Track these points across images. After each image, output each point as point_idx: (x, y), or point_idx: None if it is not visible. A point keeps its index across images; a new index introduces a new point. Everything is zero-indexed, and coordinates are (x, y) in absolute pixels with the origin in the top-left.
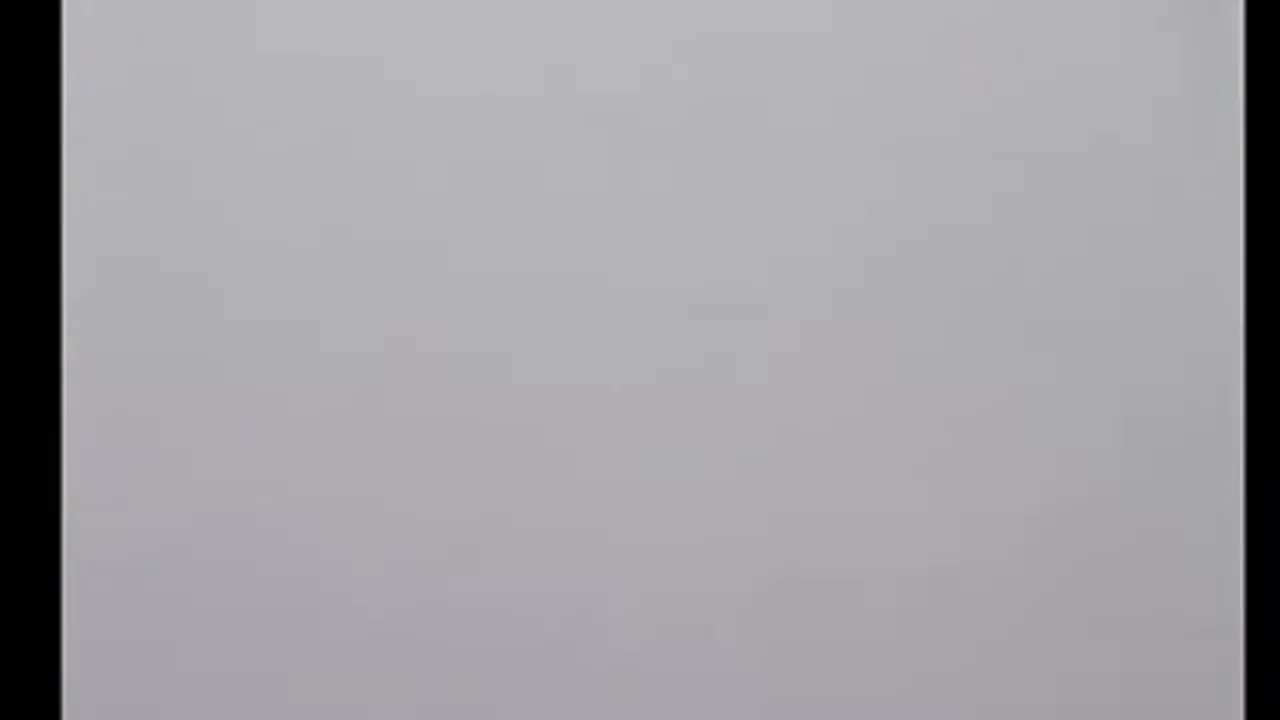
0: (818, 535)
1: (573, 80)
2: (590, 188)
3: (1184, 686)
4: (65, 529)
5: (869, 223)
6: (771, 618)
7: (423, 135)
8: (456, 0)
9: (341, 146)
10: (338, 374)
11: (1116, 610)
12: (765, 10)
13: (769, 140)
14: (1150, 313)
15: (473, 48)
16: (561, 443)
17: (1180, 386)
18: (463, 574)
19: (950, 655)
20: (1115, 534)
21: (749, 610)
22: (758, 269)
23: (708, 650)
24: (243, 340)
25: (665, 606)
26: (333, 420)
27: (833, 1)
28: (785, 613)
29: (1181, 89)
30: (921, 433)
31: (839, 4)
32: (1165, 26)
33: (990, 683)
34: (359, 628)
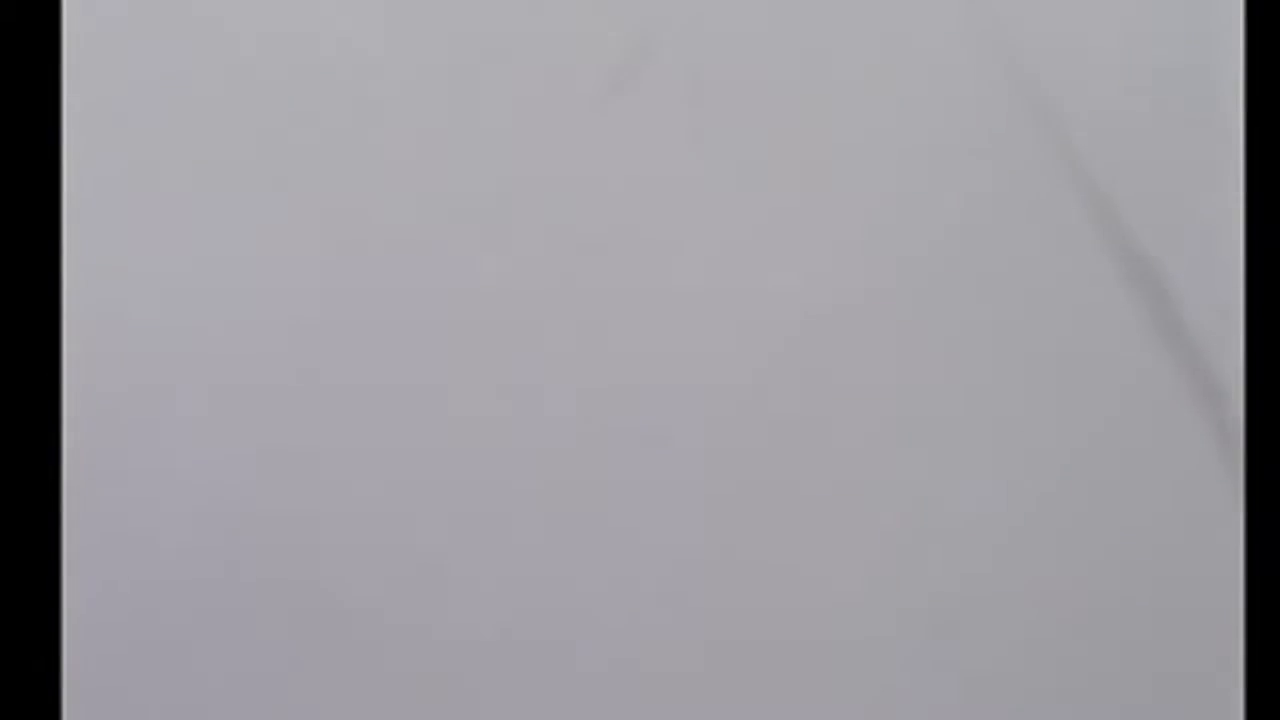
0: (818, 542)
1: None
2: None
3: (1183, 687)
4: (64, 521)
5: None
6: None
7: (420, 135)
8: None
9: (337, 142)
10: (340, 367)
11: (1115, 608)
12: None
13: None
14: (1149, 315)
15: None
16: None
17: (1180, 388)
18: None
19: (946, 654)
20: (1113, 532)
21: None
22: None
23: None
24: (241, 336)
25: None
26: (335, 416)
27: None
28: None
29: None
30: (921, 424)
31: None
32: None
33: (986, 684)
34: (363, 626)
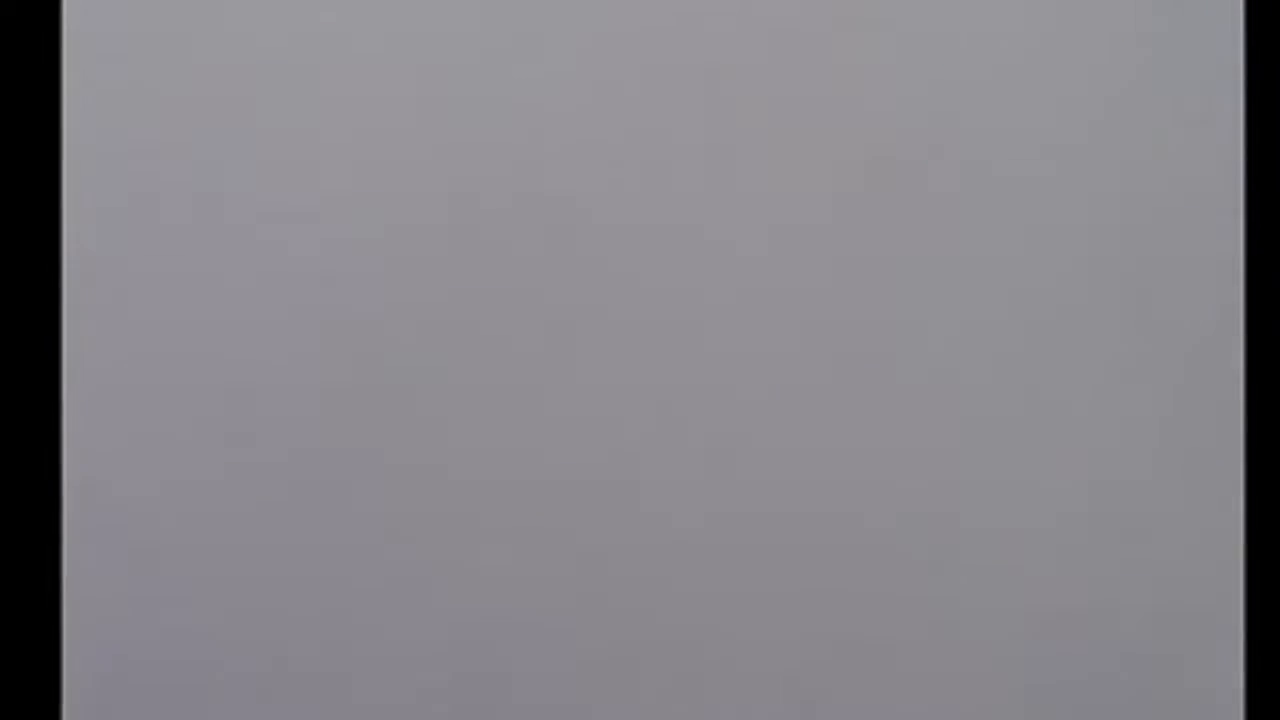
0: (818, 534)
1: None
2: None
3: (1183, 686)
4: (65, 522)
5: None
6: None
7: (426, 132)
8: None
9: (343, 143)
10: (337, 366)
11: (1115, 607)
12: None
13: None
14: (1150, 312)
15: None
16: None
17: (1180, 387)
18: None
19: (947, 653)
20: (1113, 533)
21: None
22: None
23: None
24: (239, 340)
25: None
26: (334, 419)
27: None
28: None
29: (1181, 88)
30: (921, 430)
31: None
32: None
33: (986, 681)
34: (362, 625)
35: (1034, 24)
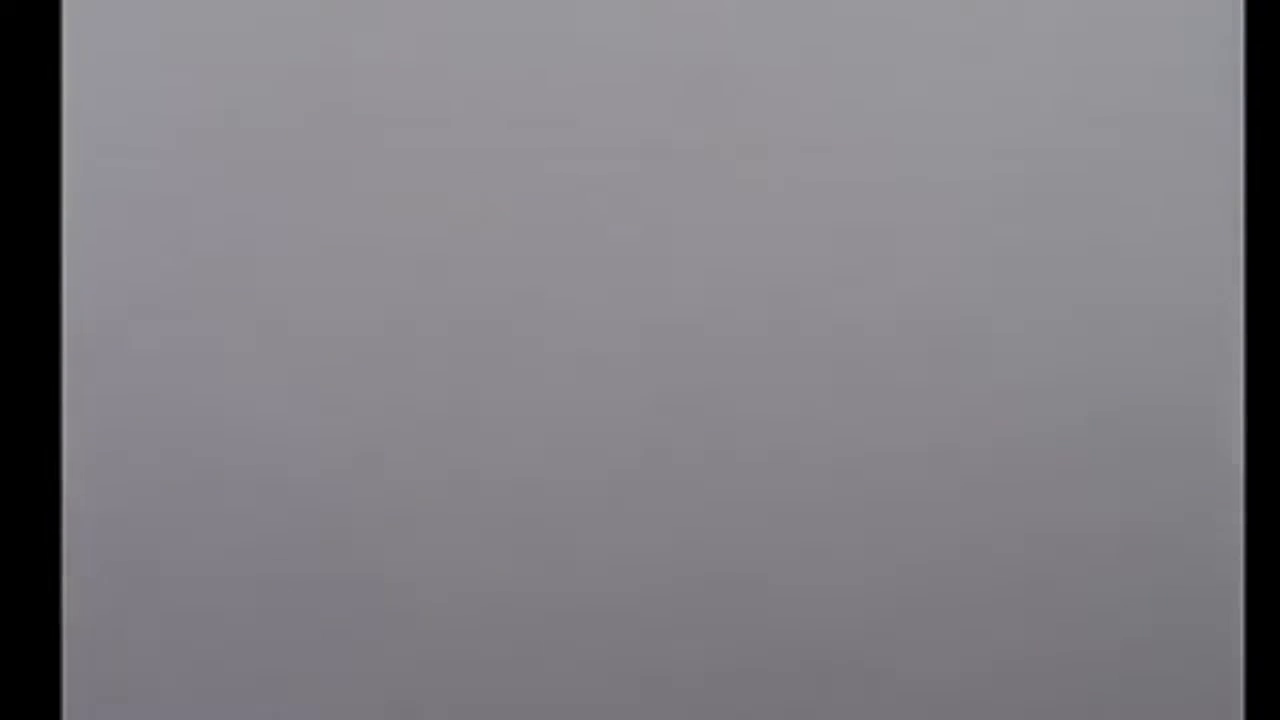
0: (810, 528)
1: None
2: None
3: (1183, 687)
4: (65, 530)
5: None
6: None
7: (439, 140)
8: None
9: (348, 148)
10: (339, 366)
11: (1116, 609)
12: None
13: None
14: (1149, 312)
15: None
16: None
17: (1180, 387)
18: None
19: (947, 658)
20: (1114, 535)
21: None
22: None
23: None
24: (243, 341)
25: None
26: (336, 421)
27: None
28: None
29: (1181, 88)
30: (921, 428)
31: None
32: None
33: (987, 682)
34: (357, 628)
35: (1034, 25)
